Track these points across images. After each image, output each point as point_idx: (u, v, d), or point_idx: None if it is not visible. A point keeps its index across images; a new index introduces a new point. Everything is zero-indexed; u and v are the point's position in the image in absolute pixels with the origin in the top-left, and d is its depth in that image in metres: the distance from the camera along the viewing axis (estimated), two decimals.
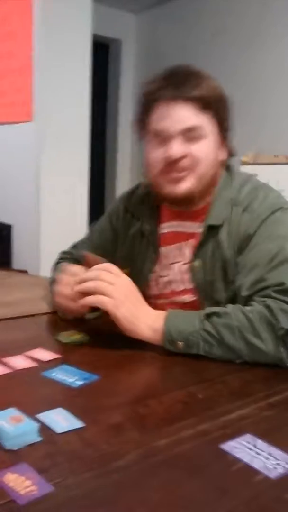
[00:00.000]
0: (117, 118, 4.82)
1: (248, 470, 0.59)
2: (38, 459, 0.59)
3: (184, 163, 1.07)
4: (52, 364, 0.90)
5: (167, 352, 0.96)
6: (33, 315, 1.23)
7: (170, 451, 0.62)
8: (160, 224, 1.22)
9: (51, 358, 0.93)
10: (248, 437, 0.67)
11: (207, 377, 0.88)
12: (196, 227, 1.15)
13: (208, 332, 0.94)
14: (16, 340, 1.06)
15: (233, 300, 1.06)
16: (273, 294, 0.97)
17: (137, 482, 0.55)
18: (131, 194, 1.32)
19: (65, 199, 3.32)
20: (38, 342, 1.01)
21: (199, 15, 4.06)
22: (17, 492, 0.53)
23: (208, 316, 0.96)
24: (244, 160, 2.79)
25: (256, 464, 0.61)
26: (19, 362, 0.90)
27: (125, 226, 1.28)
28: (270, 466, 0.60)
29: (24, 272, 2.94)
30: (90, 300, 0.98)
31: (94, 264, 1.05)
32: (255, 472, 0.59)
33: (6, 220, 3.60)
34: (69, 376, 0.84)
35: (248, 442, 0.66)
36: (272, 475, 0.59)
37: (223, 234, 1.10)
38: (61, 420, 0.69)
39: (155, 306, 1.21)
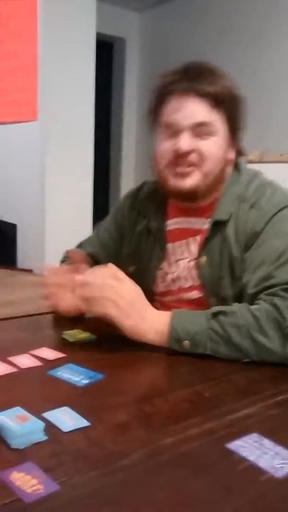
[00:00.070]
0: (121, 117, 4.82)
1: (254, 469, 0.59)
2: (44, 458, 0.59)
3: (192, 158, 1.07)
4: (57, 363, 0.89)
5: (172, 351, 0.96)
6: (38, 314, 1.23)
7: (176, 450, 0.62)
8: (166, 220, 1.22)
9: (56, 357, 0.93)
10: (254, 436, 0.67)
11: (213, 376, 0.87)
12: (203, 223, 1.15)
13: (215, 331, 0.94)
14: (21, 339, 1.06)
15: (239, 297, 1.06)
16: (280, 293, 0.96)
17: (143, 481, 0.55)
18: (137, 192, 1.33)
19: (69, 198, 3.32)
20: (43, 341, 1.01)
21: (203, 13, 4.06)
22: (23, 490, 0.53)
23: (215, 315, 0.96)
24: (250, 159, 2.78)
25: (263, 463, 0.60)
26: (24, 361, 0.90)
27: (131, 223, 1.28)
28: (277, 465, 0.60)
29: (29, 271, 2.94)
30: (97, 312, 0.96)
31: (78, 261, 1.05)
32: (261, 471, 0.59)
33: (10, 219, 3.61)
34: (75, 375, 0.84)
35: (255, 441, 0.65)
36: (279, 474, 0.58)
37: (230, 230, 1.10)
38: (67, 419, 0.69)
39: (161, 304, 1.22)
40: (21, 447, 0.61)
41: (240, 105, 1.12)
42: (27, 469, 0.57)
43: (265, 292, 0.99)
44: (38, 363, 0.90)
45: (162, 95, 1.10)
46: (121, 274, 0.98)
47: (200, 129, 1.07)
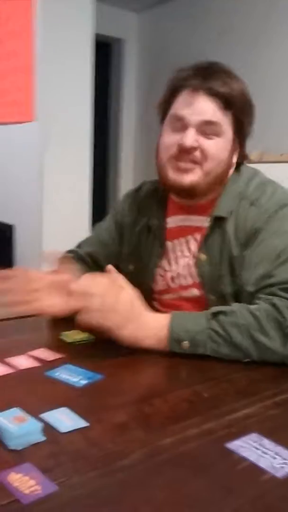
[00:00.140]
0: (119, 117, 4.82)
1: (254, 469, 0.59)
2: (42, 458, 0.59)
3: (195, 155, 1.07)
4: (55, 363, 0.89)
5: (172, 351, 0.95)
6: (36, 315, 1.22)
7: (175, 450, 0.62)
8: (166, 218, 1.22)
9: (54, 358, 0.92)
10: (254, 436, 0.66)
11: (212, 376, 0.87)
12: (203, 221, 1.15)
13: (215, 331, 0.93)
14: (19, 340, 1.06)
15: (238, 294, 1.06)
16: (279, 292, 0.96)
17: (142, 481, 0.55)
18: (136, 191, 1.33)
19: (67, 199, 3.32)
20: (41, 342, 1.01)
21: (202, 13, 4.06)
22: (21, 491, 0.52)
23: (215, 315, 0.95)
24: (250, 159, 2.78)
25: (263, 463, 0.60)
26: (22, 362, 0.90)
27: (132, 222, 1.28)
28: (277, 465, 0.60)
29: None
30: (94, 323, 0.92)
31: (55, 261, 1.05)
32: (261, 471, 0.58)
33: (8, 220, 3.60)
34: (73, 376, 0.84)
35: (254, 441, 0.65)
36: (279, 474, 0.58)
37: (229, 227, 1.10)
38: (65, 419, 0.68)
39: (160, 303, 1.21)
40: (19, 448, 0.61)
41: (251, 110, 1.13)
42: (25, 470, 0.56)
43: (264, 291, 0.99)
44: (36, 364, 0.89)
45: (175, 88, 1.11)
46: (118, 282, 0.95)
47: (206, 128, 1.07)
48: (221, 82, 1.07)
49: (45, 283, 1.07)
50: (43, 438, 0.63)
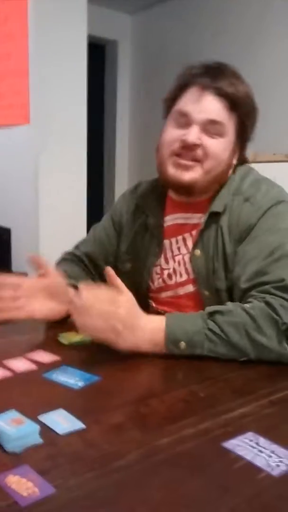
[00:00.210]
0: (114, 118, 4.82)
1: (251, 468, 0.59)
2: (39, 460, 0.59)
3: (196, 153, 1.08)
4: (52, 365, 0.89)
5: (169, 353, 0.95)
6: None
7: (172, 450, 0.62)
8: (164, 217, 1.22)
9: (51, 360, 0.92)
10: (250, 435, 0.67)
11: (208, 376, 0.88)
12: (200, 218, 1.16)
13: (213, 331, 0.93)
14: (17, 342, 1.06)
15: (232, 290, 1.07)
16: (273, 291, 0.96)
17: (139, 481, 0.55)
18: (133, 191, 1.34)
19: (64, 201, 3.32)
20: (39, 344, 1.01)
21: (195, 14, 4.06)
22: (19, 494, 0.53)
23: (211, 314, 0.95)
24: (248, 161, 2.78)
25: (259, 461, 0.61)
26: (20, 364, 0.90)
27: (129, 221, 1.29)
28: (273, 464, 0.60)
29: (24, 275, 2.93)
30: (95, 337, 0.92)
31: (40, 265, 1.05)
32: (257, 469, 0.59)
33: (4, 223, 3.60)
34: (70, 378, 0.84)
35: (251, 440, 0.65)
36: (275, 472, 0.58)
37: (223, 222, 1.11)
38: (62, 421, 0.69)
39: (156, 301, 1.22)
40: (17, 450, 0.61)
41: (254, 114, 1.14)
42: (22, 472, 0.56)
43: (257, 289, 0.99)
44: (33, 366, 0.90)
45: (183, 84, 1.11)
46: (117, 295, 0.92)
47: (210, 127, 1.08)
48: (229, 83, 1.08)
49: (28, 289, 1.07)
50: (40, 440, 0.64)
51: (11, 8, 2.14)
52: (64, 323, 1.13)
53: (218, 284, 1.11)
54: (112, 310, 0.89)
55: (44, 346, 0.99)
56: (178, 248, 1.18)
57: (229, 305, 0.98)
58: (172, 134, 1.11)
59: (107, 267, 0.96)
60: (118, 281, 0.93)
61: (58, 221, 3.30)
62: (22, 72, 2.16)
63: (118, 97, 4.79)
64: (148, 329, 0.94)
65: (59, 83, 3.20)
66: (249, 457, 0.61)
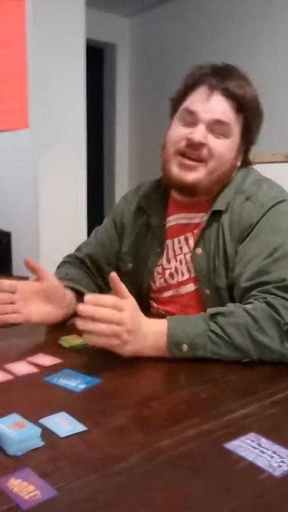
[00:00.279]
0: (113, 121, 4.83)
1: (253, 469, 0.59)
2: (41, 463, 0.59)
3: (201, 152, 1.08)
4: (54, 369, 0.89)
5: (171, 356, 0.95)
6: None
7: (173, 451, 0.62)
8: (167, 217, 1.22)
9: (52, 363, 0.92)
10: (252, 435, 0.67)
11: (210, 377, 0.87)
12: (202, 217, 1.16)
13: (215, 333, 0.93)
14: (18, 346, 1.06)
15: (233, 288, 1.07)
16: (274, 291, 0.96)
17: (141, 483, 0.55)
18: (135, 192, 1.34)
19: (63, 205, 3.33)
20: (40, 348, 1.01)
21: (194, 17, 4.07)
22: (21, 497, 0.53)
23: (213, 316, 0.95)
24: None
25: (261, 462, 0.60)
26: (21, 368, 0.90)
27: (131, 221, 1.29)
28: (275, 464, 0.60)
29: (25, 278, 2.93)
30: (101, 345, 0.89)
31: (36, 269, 1.05)
32: (259, 470, 0.59)
33: (5, 227, 3.61)
34: (72, 380, 0.84)
35: (252, 441, 0.65)
36: (277, 473, 0.58)
37: (225, 221, 1.11)
38: (64, 424, 0.69)
39: (157, 301, 1.22)
40: (18, 454, 0.61)
41: (260, 118, 1.15)
42: (24, 476, 0.56)
43: (258, 289, 0.99)
44: (34, 369, 0.90)
45: (192, 83, 1.12)
46: (120, 301, 0.90)
47: (217, 127, 1.08)
48: (237, 84, 1.09)
49: (25, 292, 1.07)
50: (42, 443, 0.64)
51: (8, 12, 2.15)
52: (64, 326, 1.13)
53: (219, 283, 1.11)
54: (115, 316, 0.88)
55: (45, 349, 0.99)
56: (180, 248, 1.19)
57: (231, 306, 0.98)
58: (178, 132, 1.11)
59: (112, 272, 0.93)
60: (122, 286, 0.92)
61: (58, 224, 3.30)
62: (20, 76, 2.17)
63: (116, 100, 4.79)
64: (150, 334, 0.93)
65: (57, 87, 3.21)
66: (251, 458, 0.61)
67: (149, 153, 4.65)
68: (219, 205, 1.12)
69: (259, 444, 0.64)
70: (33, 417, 0.69)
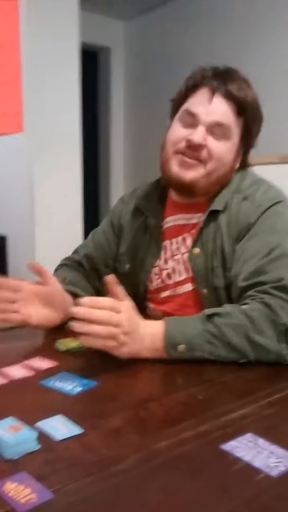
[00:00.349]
0: (108, 125, 4.84)
1: (249, 469, 0.59)
2: (37, 466, 0.59)
3: (201, 153, 1.09)
4: (50, 372, 0.89)
5: (168, 358, 0.95)
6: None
7: (170, 453, 0.62)
8: (164, 218, 1.23)
9: (49, 366, 0.92)
10: (249, 436, 0.67)
11: (207, 378, 0.87)
12: (199, 217, 1.16)
13: (212, 333, 0.93)
14: (14, 349, 1.06)
15: (230, 288, 1.07)
16: (271, 291, 0.96)
17: (137, 485, 0.55)
18: (132, 194, 1.34)
19: (59, 208, 3.33)
20: (36, 351, 1.01)
21: (188, 21, 4.08)
22: (16, 501, 0.52)
23: (210, 317, 0.94)
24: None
25: (258, 463, 0.60)
26: (17, 371, 0.90)
27: (128, 222, 1.29)
28: (272, 464, 0.60)
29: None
30: (98, 347, 0.89)
31: (40, 272, 1.05)
32: (256, 471, 0.59)
33: (0, 231, 3.60)
34: (68, 383, 0.84)
35: (249, 441, 0.65)
36: (274, 473, 0.58)
37: (222, 220, 1.11)
38: (60, 427, 0.68)
39: (154, 302, 1.23)
40: (15, 457, 0.61)
41: (260, 121, 1.16)
42: (20, 479, 0.56)
43: (255, 288, 0.99)
44: (31, 373, 0.89)
45: (193, 85, 1.13)
46: (117, 303, 0.90)
47: (216, 129, 1.09)
48: (239, 87, 1.09)
49: (26, 293, 1.07)
50: (38, 447, 0.63)
51: (2, 15, 2.15)
52: (61, 329, 1.13)
53: (217, 282, 1.11)
54: (113, 318, 0.88)
55: (42, 352, 0.99)
56: (178, 248, 1.19)
57: (227, 307, 0.98)
58: (179, 133, 1.12)
59: (109, 275, 0.93)
60: (119, 289, 0.92)
61: (54, 228, 3.30)
62: (14, 80, 2.17)
63: (112, 103, 4.80)
64: (147, 335, 0.93)
65: (52, 90, 3.22)
66: (248, 459, 0.61)
67: (145, 156, 4.66)
68: (217, 205, 1.13)
69: (256, 445, 0.64)
70: (30, 420, 0.69)
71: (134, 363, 0.93)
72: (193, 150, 1.09)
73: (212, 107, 1.09)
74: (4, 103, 2.18)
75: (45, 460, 0.60)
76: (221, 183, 1.14)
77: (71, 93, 3.32)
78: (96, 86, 4.86)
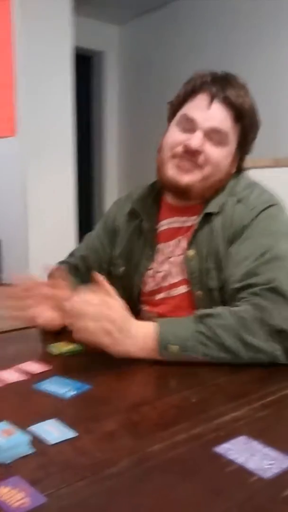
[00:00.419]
0: (102, 129, 4.84)
1: (243, 471, 0.59)
2: (30, 471, 0.58)
3: (198, 159, 1.10)
4: (43, 376, 0.89)
5: (159, 359, 0.95)
6: (24, 328, 1.22)
7: (163, 456, 0.62)
8: (159, 222, 1.23)
9: (42, 370, 0.92)
10: (242, 438, 0.67)
11: (200, 381, 0.88)
12: (194, 220, 1.17)
13: (204, 334, 0.93)
14: (7, 353, 1.06)
15: (224, 289, 1.08)
16: (262, 293, 0.97)
17: (130, 488, 0.55)
18: (127, 196, 1.35)
19: (52, 212, 3.33)
20: (29, 355, 1.01)
21: (183, 24, 4.10)
22: (9, 505, 0.52)
23: (201, 317, 0.95)
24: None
25: (251, 465, 0.60)
26: (10, 375, 0.89)
27: (123, 225, 1.29)
28: (265, 467, 0.60)
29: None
30: (89, 341, 0.91)
31: (58, 277, 1.07)
32: (249, 473, 0.59)
33: None
34: (61, 387, 0.83)
35: (243, 444, 0.65)
36: (267, 475, 0.58)
37: (217, 222, 1.12)
38: (54, 431, 0.68)
39: (148, 304, 1.23)
40: (7, 461, 0.61)
41: (256, 128, 1.16)
42: (13, 483, 0.56)
43: (247, 290, 1.00)
44: (24, 377, 0.89)
45: (192, 90, 1.13)
46: (108, 297, 0.93)
47: (214, 135, 1.10)
48: (237, 94, 1.10)
49: (38, 294, 1.08)
50: (31, 451, 0.63)
51: None
52: (57, 333, 1.13)
53: (211, 284, 1.11)
54: (104, 313, 0.90)
55: (35, 356, 0.99)
56: (172, 251, 1.19)
57: (218, 309, 0.99)
58: (176, 137, 1.12)
59: (96, 273, 0.96)
60: (109, 287, 0.94)
61: (48, 231, 3.30)
62: (8, 84, 2.17)
63: (105, 107, 4.81)
64: (140, 336, 0.94)
65: (45, 94, 3.22)
66: (241, 461, 0.61)
67: (138, 159, 4.66)
68: (212, 207, 1.14)
69: (249, 447, 0.64)
70: (23, 424, 0.69)
71: (128, 367, 0.93)
72: (190, 155, 1.10)
73: (210, 113, 1.09)
74: None
75: (38, 464, 0.60)
76: (217, 187, 1.15)
77: (64, 97, 3.32)
78: (90, 89, 4.87)
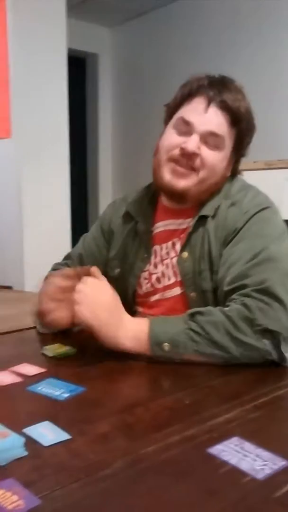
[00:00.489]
0: (96, 131, 4.84)
1: (236, 472, 0.59)
2: (25, 473, 0.59)
3: (194, 162, 1.10)
4: (37, 378, 0.89)
5: (153, 361, 0.96)
6: (18, 331, 1.22)
7: (157, 457, 0.62)
8: (154, 224, 1.24)
9: (36, 373, 0.92)
10: (235, 439, 0.67)
11: (194, 383, 0.88)
12: (189, 222, 1.18)
13: (194, 331, 0.95)
14: (1, 356, 1.06)
15: (217, 290, 1.09)
16: (252, 293, 0.98)
17: (124, 489, 0.55)
18: (123, 198, 1.35)
19: (47, 215, 3.32)
20: (24, 357, 1.01)
21: (175, 27, 4.11)
22: (4, 507, 0.52)
23: (192, 315, 0.98)
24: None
25: (244, 466, 0.61)
26: (5, 377, 0.90)
27: (119, 227, 1.30)
28: (258, 467, 0.61)
29: (8, 288, 2.92)
30: (81, 318, 0.97)
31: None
32: (242, 473, 0.59)
33: None
34: (55, 389, 0.84)
35: (236, 445, 0.66)
36: (260, 476, 0.59)
37: (210, 225, 1.13)
38: (48, 433, 0.69)
39: (143, 306, 1.23)
40: (2, 463, 0.61)
41: (252, 132, 1.17)
42: (7, 486, 0.56)
43: (238, 292, 1.01)
44: (18, 379, 0.89)
45: (189, 93, 1.13)
46: (100, 282, 1.01)
47: (210, 139, 1.11)
48: (234, 98, 1.11)
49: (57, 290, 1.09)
50: (25, 453, 0.63)
51: None
52: (49, 335, 1.13)
53: (204, 286, 1.12)
54: (99, 294, 0.97)
55: (29, 358, 0.99)
56: (167, 253, 1.20)
57: (209, 308, 1.01)
58: (172, 140, 1.13)
59: (93, 267, 1.03)
60: (102, 277, 1.01)
61: (42, 234, 3.30)
62: (2, 86, 2.17)
63: (99, 109, 4.81)
64: (132, 327, 0.98)
65: (40, 96, 3.22)
66: (234, 462, 0.62)
67: (133, 162, 4.67)
68: (206, 210, 1.14)
69: (242, 448, 0.65)
70: (17, 426, 0.69)
71: (121, 369, 0.94)
72: (186, 158, 1.10)
73: (207, 117, 1.10)
74: None
75: (33, 466, 0.60)
76: (212, 191, 1.16)
77: (59, 99, 3.32)
78: (84, 92, 4.87)
